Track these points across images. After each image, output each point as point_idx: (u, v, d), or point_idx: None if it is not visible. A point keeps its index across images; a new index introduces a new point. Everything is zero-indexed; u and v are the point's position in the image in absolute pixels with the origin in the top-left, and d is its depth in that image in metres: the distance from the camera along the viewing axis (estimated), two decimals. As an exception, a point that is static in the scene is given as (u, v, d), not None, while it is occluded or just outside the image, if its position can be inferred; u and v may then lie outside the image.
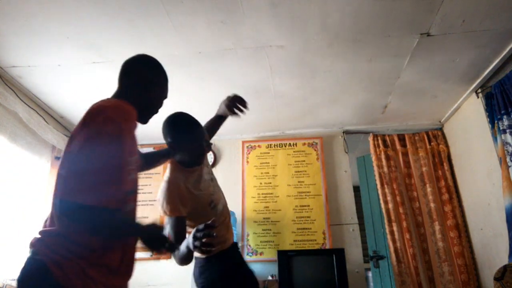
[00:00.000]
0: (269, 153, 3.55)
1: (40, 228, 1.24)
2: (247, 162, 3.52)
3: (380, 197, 3.23)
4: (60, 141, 3.11)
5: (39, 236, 1.18)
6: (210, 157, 3.53)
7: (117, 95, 1.38)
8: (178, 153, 1.70)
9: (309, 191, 3.35)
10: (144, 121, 1.44)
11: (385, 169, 3.28)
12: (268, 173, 3.47)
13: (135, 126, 1.30)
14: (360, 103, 3.13)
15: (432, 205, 3.13)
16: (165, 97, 1.52)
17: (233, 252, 1.88)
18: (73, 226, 1.12)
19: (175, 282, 3.03)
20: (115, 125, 1.14)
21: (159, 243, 1.21)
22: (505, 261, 2.35)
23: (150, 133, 3.53)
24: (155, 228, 1.21)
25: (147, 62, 1.47)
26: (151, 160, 1.79)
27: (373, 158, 3.37)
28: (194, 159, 1.73)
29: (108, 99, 1.30)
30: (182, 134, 1.67)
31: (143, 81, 1.40)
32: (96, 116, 1.15)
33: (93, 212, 1.08)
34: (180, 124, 1.69)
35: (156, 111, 1.47)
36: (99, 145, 1.11)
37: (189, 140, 1.67)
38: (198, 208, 1.69)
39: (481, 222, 2.85)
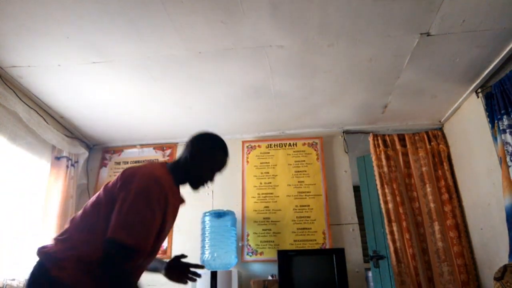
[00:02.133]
0: (269, 153, 3.55)
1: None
2: (247, 162, 3.52)
3: (380, 197, 3.23)
4: (60, 141, 3.11)
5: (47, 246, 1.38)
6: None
7: (178, 165, 1.58)
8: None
9: (309, 191, 3.35)
10: (195, 188, 1.60)
11: (385, 169, 3.28)
12: (268, 173, 3.47)
13: (164, 200, 1.41)
14: (360, 103, 3.13)
15: (432, 205, 3.13)
16: (218, 171, 1.64)
17: None
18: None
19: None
20: (155, 191, 1.36)
21: None
22: (505, 261, 2.35)
23: (150, 133, 3.54)
24: None
25: (205, 139, 1.63)
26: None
27: (373, 158, 3.37)
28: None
29: (161, 168, 1.49)
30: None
31: (196, 156, 1.56)
32: (144, 174, 1.38)
33: (126, 252, 1.27)
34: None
35: (206, 184, 1.60)
36: (141, 201, 1.32)
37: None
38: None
39: (481, 222, 2.85)
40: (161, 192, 1.38)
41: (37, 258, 1.34)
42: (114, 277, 1.26)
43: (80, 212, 1.44)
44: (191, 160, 1.55)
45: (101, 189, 1.44)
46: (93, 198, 1.45)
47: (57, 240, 1.38)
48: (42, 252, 1.34)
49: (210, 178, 1.61)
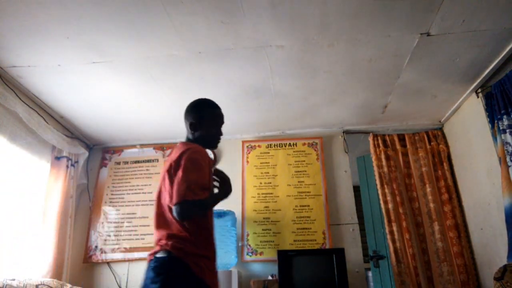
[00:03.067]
0: (269, 153, 3.55)
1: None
2: (247, 162, 3.52)
3: (380, 197, 3.23)
4: (60, 141, 3.11)
5: (168, 240, 1.54)
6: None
7: (191, 139, 1.80)
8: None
9: (309, 191, 3.35)
10: (214, 147, 1.88)
11: (385, 169, 3.28)
12: (268, 173, 3.47)
13: (208, 161, 1.70)
14: (360, 103, 3.13)
15: (431, 205, 3.13)
16: (222, 124, 1.87)
17: None
18: (188, 226, 1.55)
19: (175, 282, 3.03)
20: (199, 158, 1.63)
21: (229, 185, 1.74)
22: (505, 261, 2.35)
23: (150, 133, 3.54)
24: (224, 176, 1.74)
25: (198, 107, 1.83)
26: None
27: (373, 158, 3.37)
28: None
29: (189, 143, 1.75)
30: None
31: (199, 124, 1.78)
32: (186, 151, 1.63)
33: (194, 204, 1.52)
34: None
35: (219, 138, 1.85)
36: (193, 167, 1.58)
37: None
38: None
39: (481, 222, 2.85)
40: (204, 154, 1.67)
41: (164, 254, 1.50)
42: (199, 210, 1.56)
43: (155, 211, 1.65)
44: (199, 129, 1.76)
45: (160, 184, 1.66)
46: (163, 195, 1.63)
47: (172, 237, 1.53)
48: (178, 248, 1.50)
49: (220, 133, 1.85)
